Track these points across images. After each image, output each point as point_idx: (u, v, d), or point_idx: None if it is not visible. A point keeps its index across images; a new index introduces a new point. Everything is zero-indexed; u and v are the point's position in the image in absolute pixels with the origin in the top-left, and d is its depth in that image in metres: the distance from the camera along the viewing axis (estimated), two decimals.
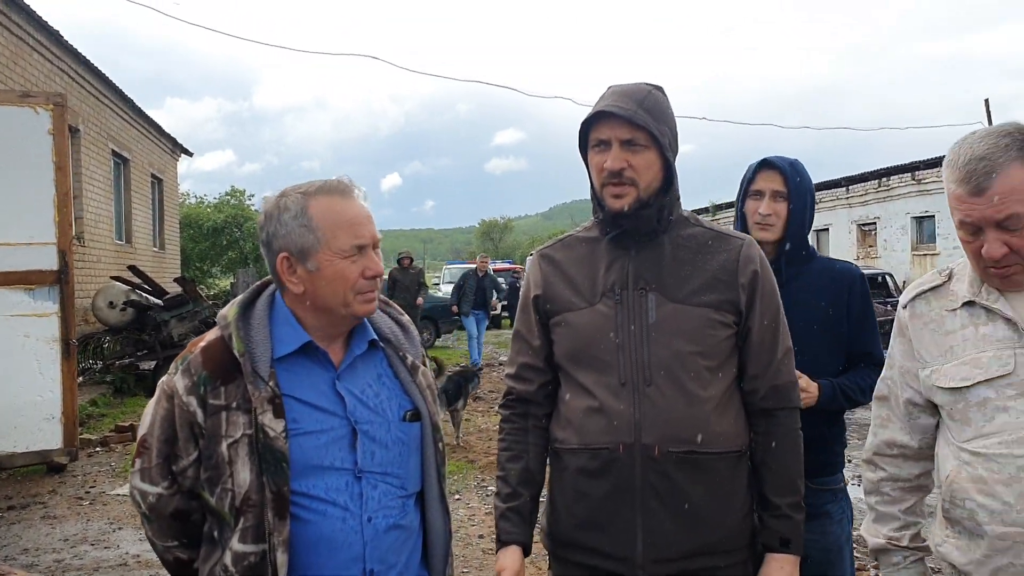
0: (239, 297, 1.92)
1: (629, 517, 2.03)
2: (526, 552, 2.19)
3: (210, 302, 14.72)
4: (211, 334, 1.87)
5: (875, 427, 2.15)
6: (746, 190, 2.75)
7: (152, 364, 12.63)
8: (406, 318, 2.07)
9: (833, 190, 33.19)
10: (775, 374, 2.11)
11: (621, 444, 2.02)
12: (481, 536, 5.90)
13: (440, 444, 1.99)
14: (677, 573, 2.03)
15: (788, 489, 2.09)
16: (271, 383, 1.77)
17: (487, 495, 7.03)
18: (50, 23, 13.72)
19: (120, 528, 6.19)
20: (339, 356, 1.89)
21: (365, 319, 1.93)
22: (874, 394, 2.16)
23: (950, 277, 1.96)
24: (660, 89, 2.14)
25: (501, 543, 2.20)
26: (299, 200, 1.81)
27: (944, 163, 1.81)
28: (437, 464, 1.98)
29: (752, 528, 2.12)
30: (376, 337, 1.95)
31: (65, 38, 14.47)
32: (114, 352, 13.46)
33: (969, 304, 1.87)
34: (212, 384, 1.78)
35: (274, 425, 1.74)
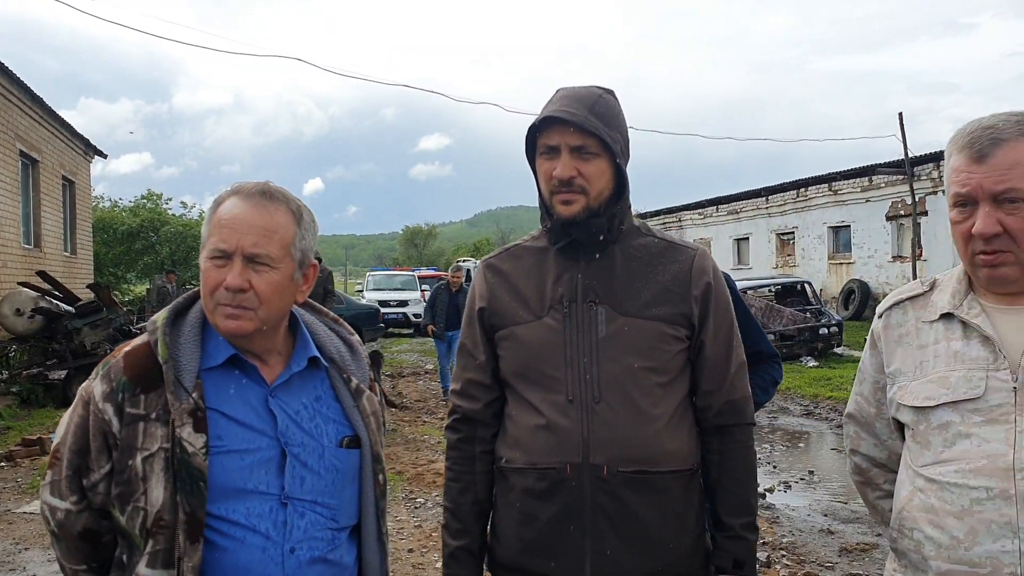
0: (174, 302, 1.78)
1: (578, 540, 1.94)
2: None
3: (125, 309, 14.21)
4: (139, 339, 1.73)
5: (849, 447, 2.04)
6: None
7: (63, 373, 12.08)
8: (356, 337, 1.93)
9: (753, 200, 33.91)
10: (729, 389, 2.05)
11: (569, 464, 1.94)
12: (411, 550, 5.76)
13: (381, 476, 1.85)
14: None
15: (742, 509, 2.03)
16: (194, 394, 1.63)
17: (415, 507, 6.89)
18: None
19: (27, 549, 5.86)
20: (275, 372, 1.75)
21: (307, 335, 1.81)
22: (845, 411, 2.06)
23: (932, 287, 1.83)
24: (611, 93, 2.06)
25: None
26: (220, 196, 1.72)
27: (948, 142, 1.71)
28: (376, 497, 1.83)
29: (705, 549, 2.06)
30: (318, 355, 1.80)
31: None
32: (21, 361, 12.87)
33: (947, 317, 1.74)
34: (131, 391, 1.65)
35: (193, 440, 1.61)
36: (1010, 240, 1.61)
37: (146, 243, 32.77)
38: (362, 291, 32.27)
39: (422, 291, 27.23)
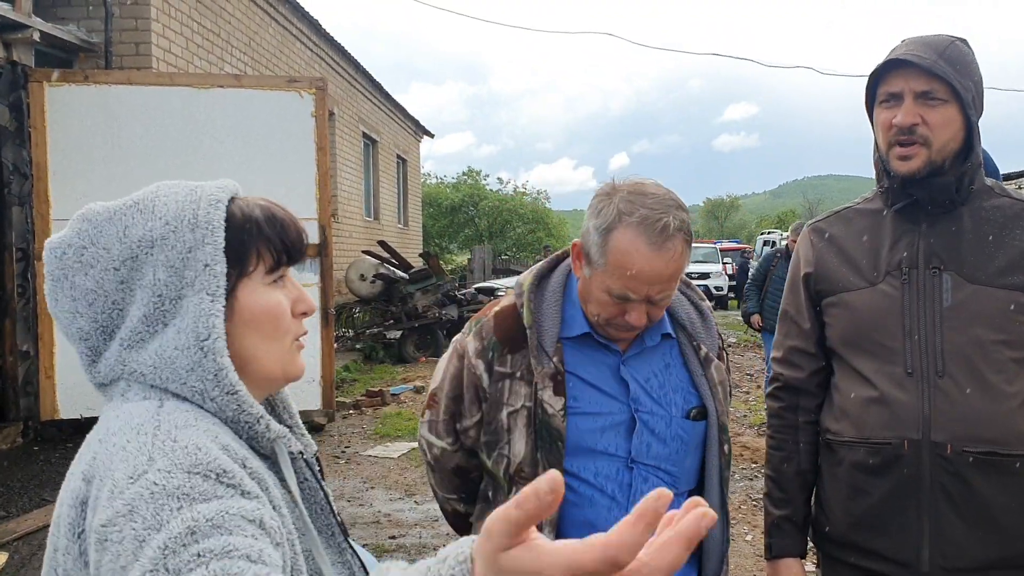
0: (537, 265, 1.87)
1: (914, 520, 1.82)
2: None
3: (449, 277, 15.29)
4: (506, 300, 1.84)
5: None
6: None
7: (398, 334, 13.34)
8: (707, 304, 1.90)
9: None
10: None
11: (906, 440, 1.81)
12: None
13: (726, 446, 1.83)
14: None
15: None
16: (555, 359, 1.71)
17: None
18: (311, 13, 14.70)
19: (372, 488, 6.53)
20: (627, 343, 1.79)
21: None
22: None
23: None
24: (964, 42, 1.87)
25: (775, 556, 2.04)
26: (614, 218, 1.62)
27: None
28: (720, 467, 1.82)
29: None
30: (670, 331, 1.81)
31: (323, 27, 15.46)
32: (364, 322, 14.33)
33: None
34: (500, 351, 1.76)
35: (553, 402, 1.69)
36: None
37: (466, 216, 35.05)
38: None
39: (724, 264, 26.66)
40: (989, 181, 1.94)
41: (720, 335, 1.91)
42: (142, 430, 0.98)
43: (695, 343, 1.82)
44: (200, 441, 0.97)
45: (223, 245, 1.07)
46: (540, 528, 1.68)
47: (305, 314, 1.18)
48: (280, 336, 1.13)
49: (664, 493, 0.58)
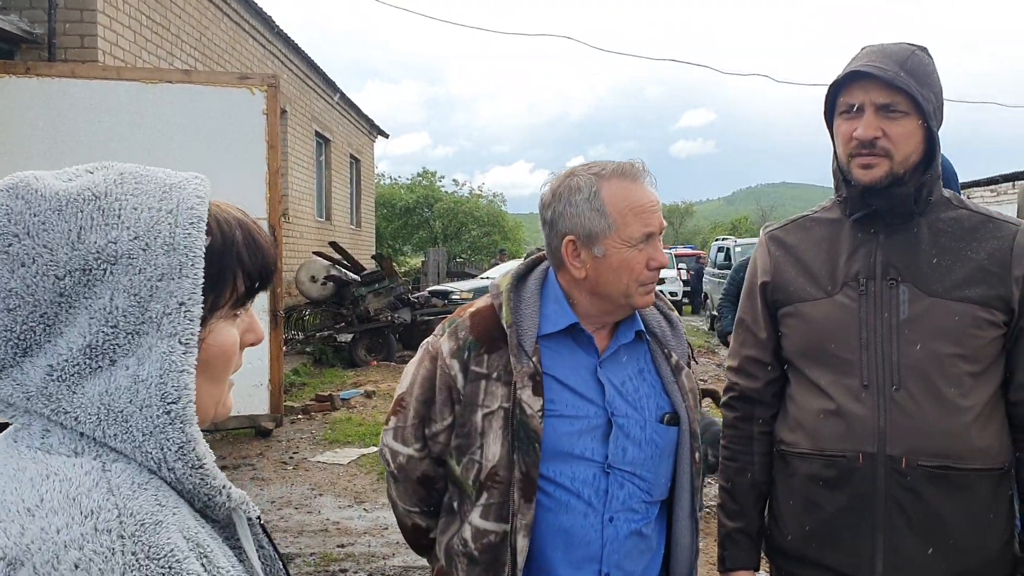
0: (514, 268, 1.87)
1: (868, 534, 1.81)
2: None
3: (402, 279, 15.18)
4: (481, 301, 1.83)
5: None
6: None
7: (349, 337, 13.17)
8: (675, 314, 1.93)
9: None
10: None
11: (861, 453, 1.80)
12: None
13: (697, 454, 1.82)
14: None
15: None
16: (534, 359, 1.69)
17: None
18: (263, 9, 14.49)
19: (321, 495, 6.41)
20: (604, 343, 1.79)
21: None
22: None
23: None
24: (925, 50, 1.86)
25: (728, 568, 2.02)
26: (591, 181, 1.72)
27: None
28: (692, 475, 1.81)
29: (1014, 557, 1.86)
30: (643, 328, 1.82)
31: (277, 24, 15.24)
32: (314, 324, 14.14)
33: None
34: (476, 351, 1.73)
35: (532, 402, 1.67)
36: None
37: (421, 218, 34.92)
38: None
39: (678, 269, 26.92)
40: (948, 193, 1.94)
41: (690, 343, 1.93)
42: (102, 525, 0.79)
43: (666, 350, 1.84)
44: (177, 550, 0.82)
45: (202, 280, 0.89)
46: (515, 532, 1.65)
47: (253, 344, 1.02)
48: (225, 378, 0.98)
49: None
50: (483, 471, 1.70)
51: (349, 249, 17.14)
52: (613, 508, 1.71)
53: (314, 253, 14.70)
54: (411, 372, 1.82)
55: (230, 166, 7.46)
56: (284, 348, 11.20)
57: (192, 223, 0.90)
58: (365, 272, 13.90)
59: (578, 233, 1.70)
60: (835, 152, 1.92)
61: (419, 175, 38.80)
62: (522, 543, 1.66)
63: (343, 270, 13.94)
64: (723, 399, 2.12)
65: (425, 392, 1.78)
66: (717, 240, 23.59)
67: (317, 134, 19.39)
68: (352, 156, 23.23)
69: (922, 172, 1.84)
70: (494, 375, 1.71)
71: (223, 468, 6.93)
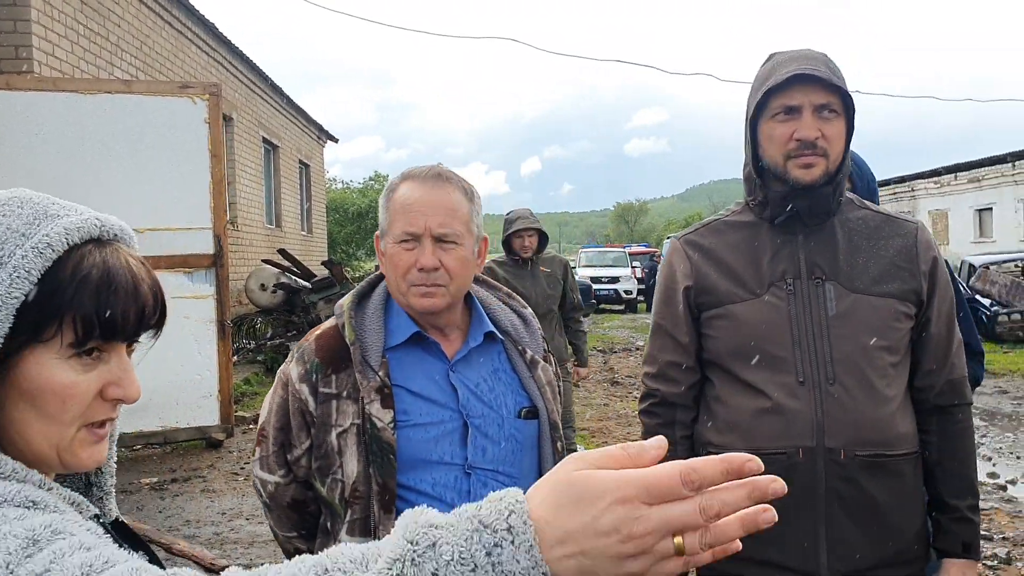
0: (357, 286, 1.90)
1: (810, 527, 1.86)
2: None
3: (355, 285, 15.09)
4: (327, 323, 1.86)
5: None
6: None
7: None
8: (528, 311, 1.96)
9: (998, 166, 30.99)
10: (951, 368, 1.97)
11: (801, 448, 1.85)
12: None
13: (559, 443, 1.87)
14: None
15: (966, 490, 1.95)
16: (381, 372, 1.72)
17: None
18: (207, 16, 14.33)
19: None
20: (455, 347, 1.82)
21: (482, 310, 1.86)
22: None
23: None
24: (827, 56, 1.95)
25: None
26: (395, 182, 1.80)
27: None
28: (556, 463, 1.84)
29: (927, 533, 1.98)
30: (493, 329, 1.85)
31: (220, 30, 15.09)
32: (265, 333, 14.02)
33: None
34: (323, 372, 1.76)
35: (382, 415, 1.70)
36: None
37: (374, 222, 34.64)
38: (575, 268, 32.64)
39: (632, 267, 27.14)
40: (850, 194, 2.03)
41: (544, 339, 1.95)
42: None
43: (520, 347, 1.87)
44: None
45: (18, 303, 0.89)
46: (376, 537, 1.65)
47: (121, 400, 0.98)
48: (63, 419, 0.95)
49: (755, 459, 0.69)
50: (346, 488, 1.72)
51: (301, 256, 17.02)
52: None
53: (263, 261, 14.58)
54: (268, 401, 1.84)
55: (174, 176, 7.39)
56: (235, 358, 11.12)
57: (38, 248, 0.91)
58: (316, 279, 13.81)
59: (381, 229, 1.80)
60: (752, 155, 1.96)
61: (371, 179, 38.63)
62: None
63: (293, 277, 13.84)
64: (642, 406, 2.12)
65: (280, 419, 1.80)
66: (669, 237, 23.82)
67: (265, 140, 19.21)
68: (301, 161, 23.05)
69: (838, 172, 1.91)
70: (343, 393, 1.73)
71: (173, 481, 6.89)
